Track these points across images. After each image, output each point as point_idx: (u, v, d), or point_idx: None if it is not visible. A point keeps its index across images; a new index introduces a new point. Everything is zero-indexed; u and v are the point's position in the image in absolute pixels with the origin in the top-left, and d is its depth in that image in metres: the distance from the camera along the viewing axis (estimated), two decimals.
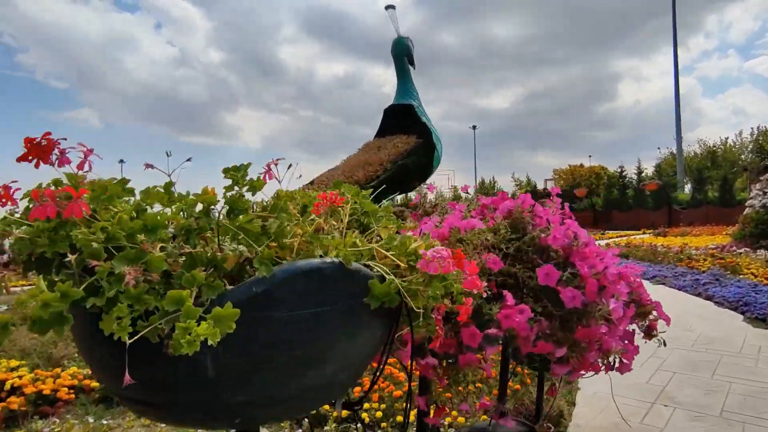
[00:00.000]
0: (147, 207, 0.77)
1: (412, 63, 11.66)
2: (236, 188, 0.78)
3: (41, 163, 0.78)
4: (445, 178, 61.50)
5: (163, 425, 2.51)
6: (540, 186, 44.91)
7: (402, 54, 11.33)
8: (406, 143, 10.34)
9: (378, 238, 0.91)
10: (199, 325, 0.59)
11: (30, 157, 0.77)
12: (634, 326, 1.85)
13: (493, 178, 51.39)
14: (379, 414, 2.56)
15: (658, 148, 41.33)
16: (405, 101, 11.11)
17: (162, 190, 0.79)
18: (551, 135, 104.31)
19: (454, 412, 2.38)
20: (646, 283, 7.91)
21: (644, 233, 21.10)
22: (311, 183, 9.80)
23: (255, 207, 0.82)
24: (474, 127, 54.78)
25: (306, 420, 2.45)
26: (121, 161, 56.60)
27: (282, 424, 2.52)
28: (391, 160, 9.72)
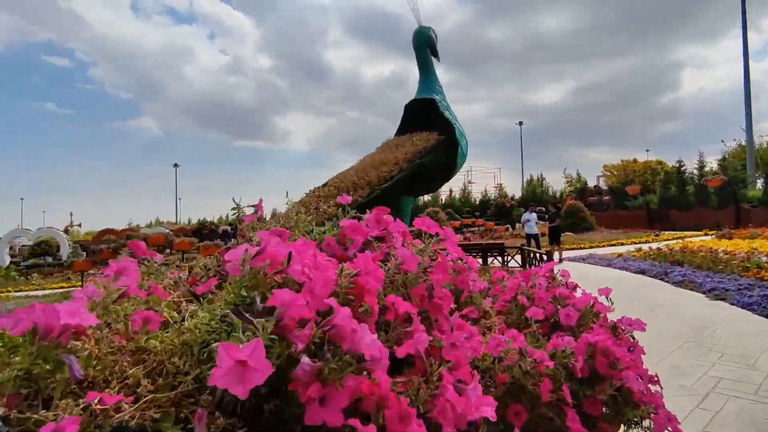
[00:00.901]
0: None
1: (435, 54, 10.90)
2: None
3: None
4: (491, 176, 59.50)
5: None
6: (591, 183, 42.33)
7: (424, 45, 10.59)
8: (425, 141, 9.57)
9: None
10: None
11: None
12: None
13: (541, 175, 49.10)
14: None
15: (722, 141, 37.74)
16: (427, 96, 10.33)
17: None
18: (606, 129, 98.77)
19: None
20: (700, 298, 6.68)
21: (706, 235, 19.03)
22: (324, 185, 9.27)
23: None
24: (520, 123, 52.83)
25: None
26: (175, 165, 59.30)
27: None
28: (408, 159, 8.98)
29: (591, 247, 16.30)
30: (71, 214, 54.21)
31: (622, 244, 16.80)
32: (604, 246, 16.67)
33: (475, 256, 12.18)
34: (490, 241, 15.62)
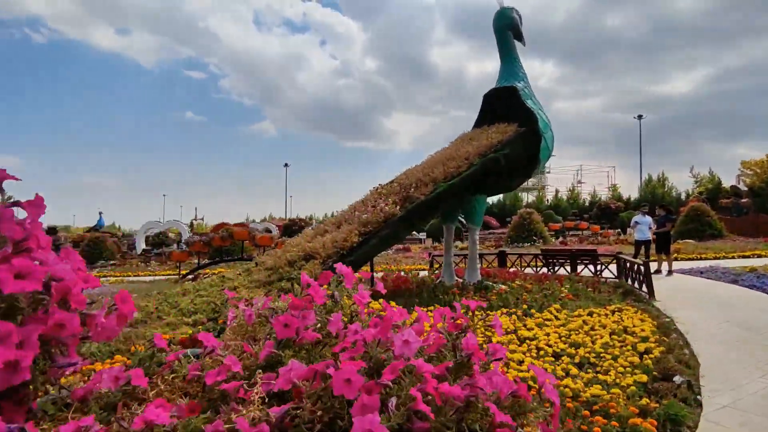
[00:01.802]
0: None
1: (519, 38, 9.82)
2: None
3: None
4: (604, 176, 53.97)
5: None
6: (727, 183, 36.21)
7: (505, 27, 9.57)
8: (502, 133, 8.64)
9: None
10: None
11: None
12: None
13: (662, 174, 43.41)
14: None
15: None
16: (508, 83, 9.32)
17: None
18: (749, 121, 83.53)
19: None
20: None
21: None
22: (391, 182, 8.82)
23: None
24: (639, 117, 47.62)
25: None
26: (286, 165, 63.21)
27: None
28: (480, 153, 8.13)
29: (715, 258, 13.69)
30: (196, 209, 61.30)
31: (760, 256, 13.87)
32: (734, 257, 13.91)
33: (563, 264, 10.74)
34: (580, 247, 13.86)
